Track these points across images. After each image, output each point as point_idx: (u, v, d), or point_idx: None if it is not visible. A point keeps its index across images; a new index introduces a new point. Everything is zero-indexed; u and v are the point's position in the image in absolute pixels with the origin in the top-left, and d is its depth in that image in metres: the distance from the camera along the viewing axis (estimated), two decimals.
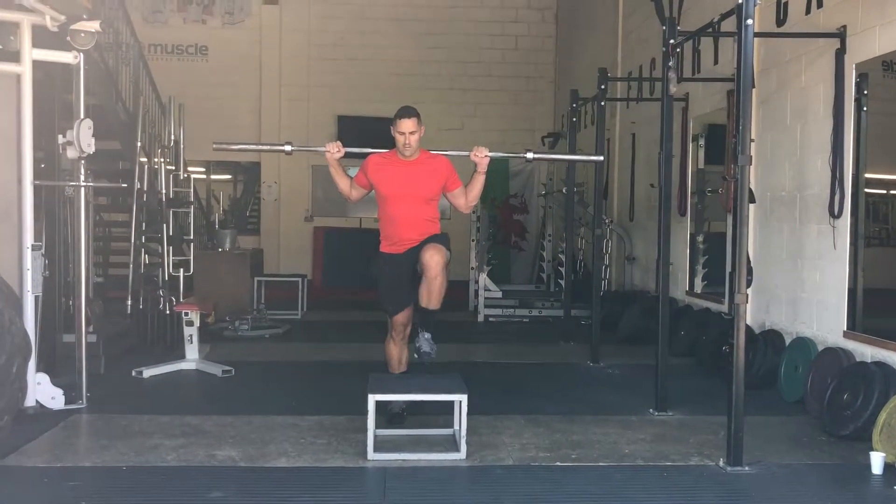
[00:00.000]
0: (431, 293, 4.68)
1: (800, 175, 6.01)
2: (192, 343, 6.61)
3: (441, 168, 4.85)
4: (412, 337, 4.97)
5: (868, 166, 5.38)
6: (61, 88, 6.05)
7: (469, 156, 4.78)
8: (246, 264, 9.92)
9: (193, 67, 13.70)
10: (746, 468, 4.20)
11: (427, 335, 4.75)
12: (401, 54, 13.94)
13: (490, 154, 4.77)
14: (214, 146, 5.02)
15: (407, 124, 4.71)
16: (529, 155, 5.07)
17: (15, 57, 5.14)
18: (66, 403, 5.20)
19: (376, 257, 4.98)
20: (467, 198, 4.89)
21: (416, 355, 4.88)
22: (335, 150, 4.79)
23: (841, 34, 5.41)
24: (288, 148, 4.92)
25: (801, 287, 5.95)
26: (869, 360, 5.02)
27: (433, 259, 4.60)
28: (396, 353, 5.08)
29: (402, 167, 4.82)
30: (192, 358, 6.61)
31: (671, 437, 4.81)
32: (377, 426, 4.34)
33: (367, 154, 4.96)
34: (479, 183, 4.83)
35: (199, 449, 4.46)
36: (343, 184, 4.97)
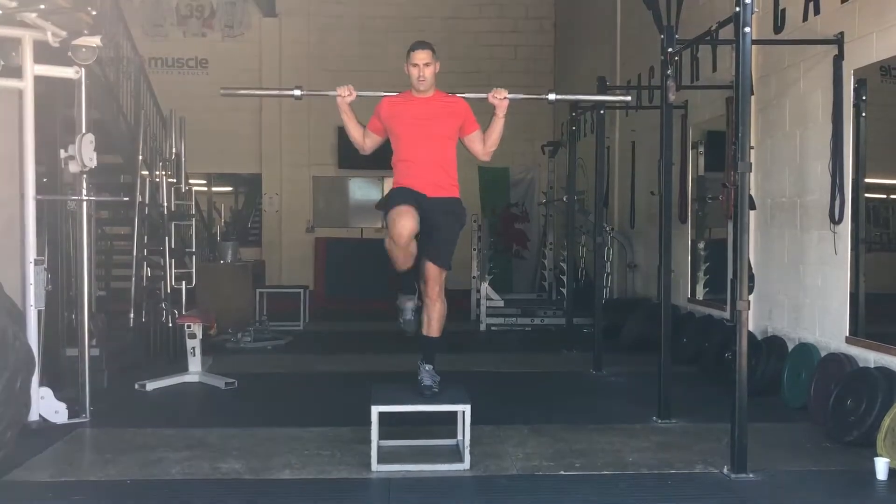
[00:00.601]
0: (431, 318, 4.56)
1: (800, 181, 6.02)
2: (194, 356, 6.61)
3: (458, 107, 4.58)
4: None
5: (868, 171, 5.39)
6: (63, 103, 6.07)
7: (487, 98, 4.55)
8: (248, 276, 9.93)
9: (194, 81, 13.73)
10: (751, 475, 4.19)
11: (429, 367, 4.56)
12: (401, 66, 13.72)
13: (509, 96, 4.53)
14: (222, 92, 4.76)
15: (421, 55, 4.48)
16: (552, 96, 4.89)
17: (17, 73, 5.17)
18: (69, 418, 5.20)
19: (389, 192, 4.62)
20: (486, 143, 4.61)
21: (421, 382, 4.57)
22: (346, 93, 4.52)
23: (838, 40, 5.43)
24: (297, 92, 4.61)
25: (803, 293, 5.95)
26: (872, 366, 5.02)
27: (433, 289, 4.47)
28: (401, 255, 4.46)
29: (416, 104, 4.54)
30: (195, 370, 6.61)
31: (675, 445, 4.80)
32: (381, 437, 4.33)
33: (381, 96, 4.67)
34: (498, 127, 4.59)
35: (204, 462, 4.46)
36: (356, 132, 4.64)
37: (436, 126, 4.52)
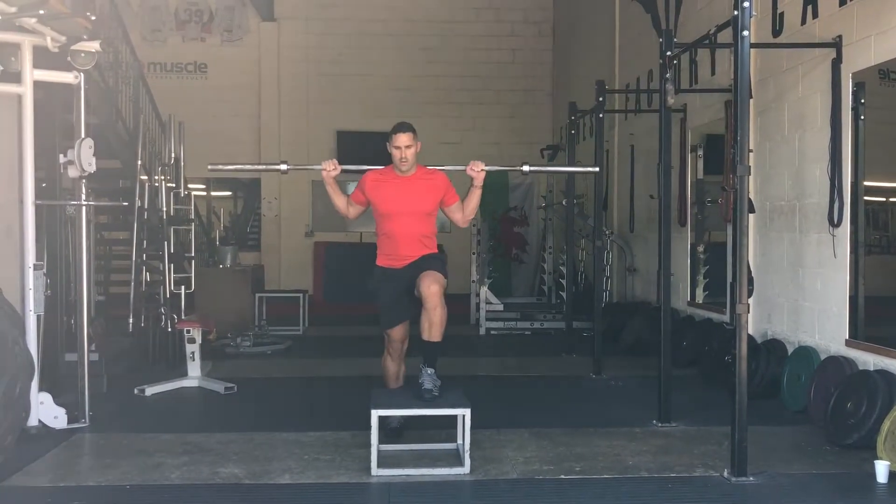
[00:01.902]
0: (432, 324, 4.61)
1: (799, 184, 6.03)
2: (194, 360, 6.60)
3: (438, 183, 4.85)
4: (409, 354, 4.97)
5: (867, 174, 5.40)
6: (62, 108, 6.08)
7: (465, 170, 4.78)
8: (247, 281, 9.93)
9: (193, 85, 13.76)
10: (751, 478, 4.19)
11: (430, 371, 4.59)
12: (399, 70, 14.00)
13: (486, 168, 4.77)
14: (210, 167, 5.05)
15: (403, 139, 4.71)
16: (525, 168, 5.03)
17: (16, 78, 5.17)
18: (68, 423, 5.19)
19: (374, 271, 4.97)
20: (464, 212, 4.90)
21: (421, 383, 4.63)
22: (331, 167, 4.79)
23: (837, 44, 5.44)
24: (283, 167, 4.92)
25: (803, 296, 5.95)
26: (872, 369, 5.02)
27: (431, 289, 4.56)
28: (394, 369, 5.05)
29: (399, 183, 4.81)
30: (194, 375, 6.60)
31: (675, 449, 4.80)
32: (380, 441, 4.33)
33: (364, 171, 4.97)
34: (475, 197, 4.85)
35: (203, 467, 4.45)
36: (340, 202, 4.96)
37: (416, 204, 4.81)
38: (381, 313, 4.94)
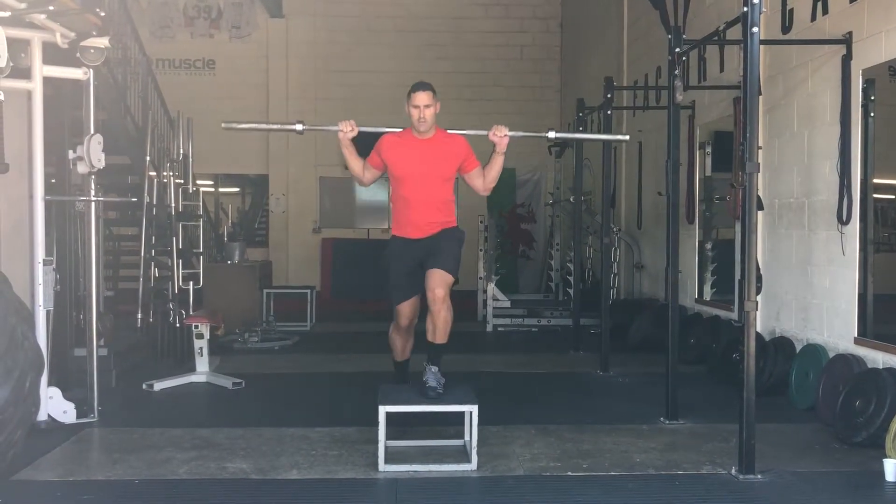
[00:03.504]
0: (437, 326, 4.56)
1: (808, 181, 6.00)
2: (202, 356, 6.63)
3: (458, 147, 4.69)
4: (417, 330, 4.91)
5: (876, 171, 5.37)
6: (71, 104, 6.10)
7: (487, 135, 4.62)
8: (255, 276, 9.95)
9: (201, 81, 13.78)
10: (758, 476, 4.19)
11: (434, 368, 4.57)
12: (407, 66, 13.95)
13: (510, 133, 4.61)
14: (224, 125, 4.82)
15: (422, 97, 4.57)
16: (552, 134, 4.93)
17: (26, 74, 5.19)
18: (77, 417, 5.22)
19: (389, 242, 4.84)
20: (485, 179, 4.72)
21: (424, 384, 4.61)
22: (348, 128, 4.61)
23: (847, 40, 5.42)
24: (299, 127, 4.71)
25: (811, 293, 5.93)
26: (881, 367, 5.00)
27: (436, 293, 4.49)
28: (401, 342, 4.99)
29: (417, 145, 4.65)
30: (202, 371, 6.63)
31: (682, 446, 4.80)
32: (388, 437, 4.34)
33: (381, 134, 4.80)
34: (497, 164, 4.69)
35: (211, 462, 4.47)
36: (356, 165, 4.76)
37: (434, 168, 4.64)
38: (392, 287, 4.78)
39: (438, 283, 4.53)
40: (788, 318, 6.27)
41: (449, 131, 4.77)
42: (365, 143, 4.74)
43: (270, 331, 9.06)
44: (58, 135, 5.94)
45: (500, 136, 4.62)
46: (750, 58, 4.27)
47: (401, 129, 4.76)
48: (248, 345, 8.44)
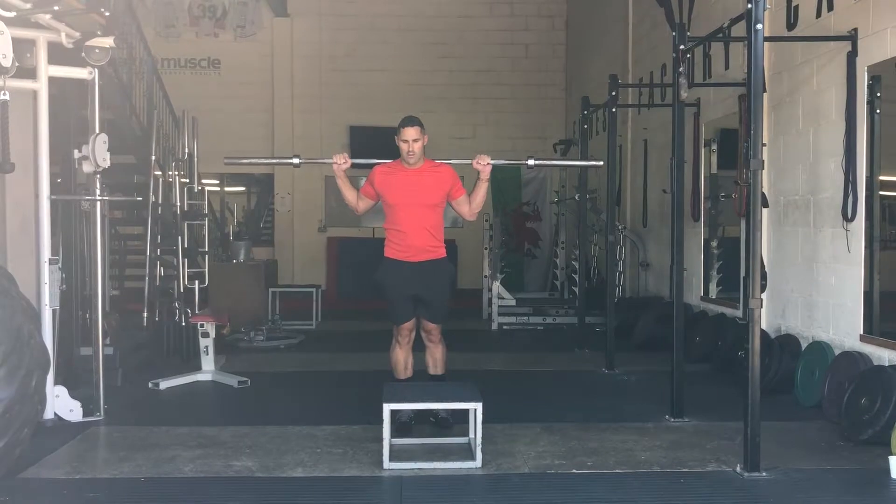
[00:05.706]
0: (436, 360, 5.15)
1: (813, 179, 5.99)
2: (207, 354, 6.64)
3: (445, 176, 4.99)
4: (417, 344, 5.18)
5: (882, 169, 5.36)
6: (76, 104, 6.12)
7: (472, 164, 4.91)
8: (260, 275, 9.96)
9: (206, 81, 13.80)
10: (764, 474, 4.18)
11: None
12: (412, 64, 13.99)
13: (492, 162, 4.91)
14: (225, 161, 5.14)
15: (410, 132, 4.88)
16: (531, 161, 5.18)
17: (31, 74, 5.21)
18: (83, 416, 5.25)
19: (382, 262, 5.09)
20: (471, 205, 5.03)
21: (431, 419, 5.04)
22: (342, 161, 4.94)
23: (852, 37, 5.40)
24: (296, 161, 5.06)
25: (817, 291, 5.92)
26: (886, 364, 4.98)
27: (432, 335, 5.10)
28: (402, 358, 5.19)
29: (407, 175, 4.96)
30: (207, 369, 6.64)
31: (687, 444, 4.79)
32: (392, 435, 4.34)
33: (374, 164, 5.11)
34: (482, 190, 4.98)
35: (216, 460, 4.48)
36: (350, 195, 5.09)
37: (423, 196, 4.94)
38: (390, 309, 5.11)
39: (433, 330, 5.10)
40: (794, 316, 6.26)
41: (436, 161, 5.08)
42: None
43: (276, 329, 9.08)
44: (63, 134, 5.97)
45: (484, 164, 4.90)
46: (754, 55, 4.26)
47: (390, 161, 5.07)
48: (253, 343, 8.46)
